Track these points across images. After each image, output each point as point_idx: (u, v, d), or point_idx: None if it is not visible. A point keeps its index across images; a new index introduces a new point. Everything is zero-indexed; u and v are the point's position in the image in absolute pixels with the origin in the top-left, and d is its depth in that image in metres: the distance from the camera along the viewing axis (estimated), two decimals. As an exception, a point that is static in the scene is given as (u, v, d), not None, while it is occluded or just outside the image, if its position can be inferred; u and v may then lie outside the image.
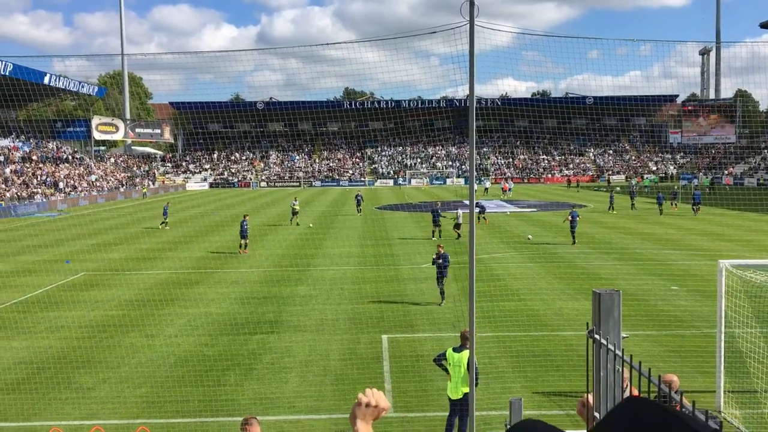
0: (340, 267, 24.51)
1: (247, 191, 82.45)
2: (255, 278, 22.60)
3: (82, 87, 78.09)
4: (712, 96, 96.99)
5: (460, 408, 9.46)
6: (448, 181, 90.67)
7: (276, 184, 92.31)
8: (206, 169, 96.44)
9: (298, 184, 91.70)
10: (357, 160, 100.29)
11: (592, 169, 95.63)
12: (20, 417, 10.93)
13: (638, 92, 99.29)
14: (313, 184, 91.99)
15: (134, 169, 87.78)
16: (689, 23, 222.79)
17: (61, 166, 71.37)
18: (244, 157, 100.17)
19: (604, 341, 2.89)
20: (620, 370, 2.86)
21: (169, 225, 37.88)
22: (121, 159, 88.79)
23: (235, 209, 50.02)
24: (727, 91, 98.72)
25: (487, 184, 72.52)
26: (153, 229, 37.73)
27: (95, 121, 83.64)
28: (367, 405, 2.32)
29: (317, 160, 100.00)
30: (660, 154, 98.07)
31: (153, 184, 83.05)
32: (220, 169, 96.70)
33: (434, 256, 18.79)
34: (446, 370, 9.81)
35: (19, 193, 56.71)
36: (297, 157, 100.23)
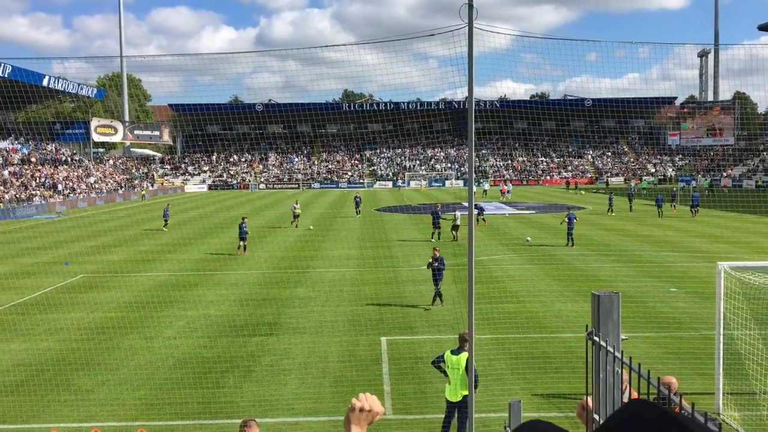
0: (339, 269, 24.50)
1: (246, 193, 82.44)
2: (254, 280, 22.58)
3: (81, 89, 78.03)
4: (710, 98, 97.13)
5: (459, 410, 9.45)
6: (447, 183, 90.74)
7: (275, 186, 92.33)
8: (205, 171, 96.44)
9: (297, 186, 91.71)
10: (356, 162, 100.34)
11: (591, 171, 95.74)
12: (19, 419, 10.92)
13: (637, 94, 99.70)
14: (312, 186, 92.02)
15: (133, 171, 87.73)
16: (687, 25, 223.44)
17: (59, 168, 71.32)
18: (243, 159, 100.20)
19: (603, 343, 2.90)
20: (619, 372, 2.86)
21: (168, 227, 37.89)
22: (120, 161, 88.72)
23: (234, 211, 50.02)
24: (726, 93, 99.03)
25: (486, 186, 72.50)
26: (152, 231, 37.70)
27: (94, 123, 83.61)
28: (361, 410, 2.33)
29: (316, 162, 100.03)
30: (658, 156, 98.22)
31: (152, 186, 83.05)
32: (219, 171, 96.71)
33: (430, 260, 18.59)
34: (444, 372, 9.79)
35: (17, 195, 56.64)
36: (296, 159, 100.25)
